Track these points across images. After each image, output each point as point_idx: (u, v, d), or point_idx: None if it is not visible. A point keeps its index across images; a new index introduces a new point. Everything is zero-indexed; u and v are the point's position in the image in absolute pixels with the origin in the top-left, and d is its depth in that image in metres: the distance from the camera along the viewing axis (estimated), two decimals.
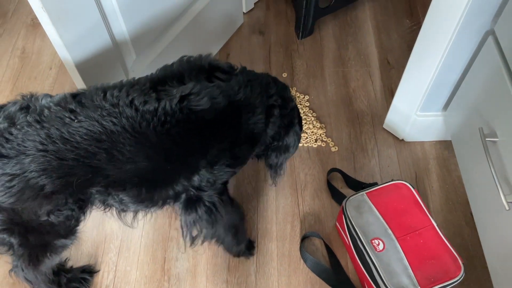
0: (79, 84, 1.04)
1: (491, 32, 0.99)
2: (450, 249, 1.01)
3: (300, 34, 1.63)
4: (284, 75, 1.55)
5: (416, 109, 1.26)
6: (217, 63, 0.89)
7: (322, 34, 1.66)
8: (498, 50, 0.97)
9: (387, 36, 1.65)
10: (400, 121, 1.34)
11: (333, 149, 1.38)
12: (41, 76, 1.57)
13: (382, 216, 1.06)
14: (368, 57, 1.60)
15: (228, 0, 1.50)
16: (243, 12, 1.70)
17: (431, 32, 1.06)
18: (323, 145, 1.39)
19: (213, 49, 1.57)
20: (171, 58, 1.31)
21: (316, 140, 1.40)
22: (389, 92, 1.51)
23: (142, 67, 1.23)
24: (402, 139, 1.39)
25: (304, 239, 1.20)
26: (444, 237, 1.03)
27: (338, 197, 1.26)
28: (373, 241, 1.03)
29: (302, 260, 1.17)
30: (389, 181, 1.13)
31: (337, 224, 1.19)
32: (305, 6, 1.53)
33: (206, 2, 1.39)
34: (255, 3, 1.73)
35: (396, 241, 1.03)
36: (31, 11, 1.77)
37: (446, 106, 1.26)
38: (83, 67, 1.03)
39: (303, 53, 1.61)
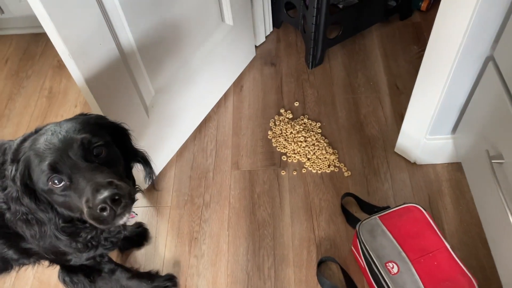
0: None
1: (491, 58, 1.03)
2: (465, 271, 1.03)
3: (310, 64, 1.70)
4: (296, 103, 1.61)
5: (425, 133, 1.30)
6: None
7: (332, 63, 1.73)
8: (499, 75, 1.00)
9: (395, 62, 1.71)
10: (410, 145, 1.37)
11: (346, 174, 1.41)
12: (67, 114, 1.67)
13: (396, 239, 1.09)
14: (378, 84, 1.65)
15: (241, 35, 1.58)
16: (255, 46, 1.78)
17: (434, 59, 1.11)
18: (336, 171, 1.43)
19: (227, 83, 1.64)
20: (189, 94, 1.39)
21: (329, 166, 1.44)
22: (399, 116, 1.54)
23: (161, 103, 1.31)
24: (414, 162, 1.41)
25: (320, 264, 1.23)
26: (458, 258, 1.05)
27: (353, 221, 1.29)
28: (387, 264, 1.06)
29: (319, 285, 1.20)
30: (401, 205, 1.16)
31: (353, 248, 1.21)
32: (314, 38, 1.60)
33: (220, 38, 1.47)
34: (266, 36, 1.82)
35: (410, 263, 1.05)
36: (57, 53, 1.89)
37: (454, 130, 1.29)
38: (106, 106, 1.10)
39: (314, 82, 1.67)
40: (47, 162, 0.70)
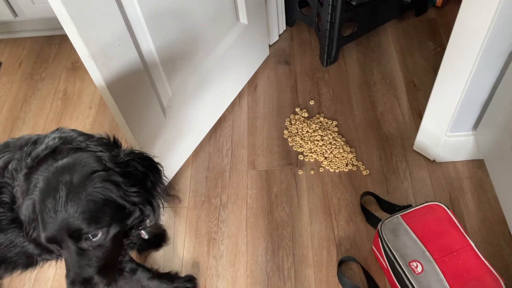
0: (120, 121, 1.12)
1: None
2: (491, 270, 1.01)
3: (325, 62, 1.68)
4: (312, 102, 1.60)
5: (445, 130, 1.27)
6: None
7: (347, 60, 1.71)
8: None
9: (411, 59, 1.68)
10: (430, 143, 1.35)
11: (364, 172, 1.40)
12: (82, 115, 1.67)
13: (419, 238, 1.07)
14: (394, 81, 1.63)
15: (255, 34, 1.57)
16: (269, 45, 1.77)
17: (455, 56, 1.09)
18: (354, 169, 1.41)
19: (241, 82, 1.63)
20: (205, 94, 1.38)
21: (346, 165, 1.42)
22: (417, 114, 1.52)
23: (177, 103, 1.31)
24: (434, 160, 1.39)
25: (341, 264, 1.21)
26: (484, 257, 1.03)
27: (372, 220, 1.27)
28: (411, 263, 1.04)
29: (340, 286, 1.18)
30: (424, 203, 1.14)
31: (374, 247, 1.20)
32: (328, 36, 1.59)
33: (235, 38, 1.46)
34: (279, 35, 1.80)
35: (434, 263, 1.03)
36: (70, 55, 1.90)
37: (476, 126, 1.27)
38: (124, 107, 1.10)
39: (329, 80, 1.66)
40: (44, 235, 0.71)
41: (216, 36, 1.40)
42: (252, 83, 1.67)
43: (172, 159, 1.40)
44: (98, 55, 0.96)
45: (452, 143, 1.31)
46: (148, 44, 1.11)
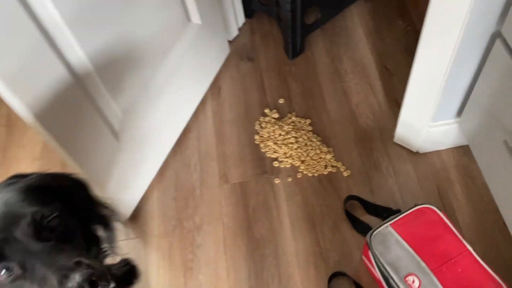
0: (61, 154, 0.97)
1: (498, 34, 0.91)
2: (492, 276, 0.93)
3: (291, 54, 1.56)
4: (281, 101, 1.47)
5: (427, 120, 1.18)
6: None
7: (314, 50, 1.58)
8: (508, 52, 0.88)
9: (381, 41, 1.57)
10: (411, 134, 1.25)
11: (345, 173, 1.29)
12: (30, 142, 1.50)
13: (412, 248, 0.98)
14: (366, 67, 1.52)
15: (211, 33, 1.43)
16: (229, 41, 1.62)
17: (433, 39, 0.98)
18: (334, 171, 1.30)
19: (203, 87, 1.49)
20: (163, 107, 1.23)
21: (325, 167, 1.31)
22: (394, 101, 1.42)
23: (131, 123, 1.16)
24: (417, 151, 1.30)
25: (331, 279, 1.12)
26: (483, 262, 0.95)
27: (360, 226, 1.18)
28: (407, 278, 0.95)
29: None
30: (413, 207, 1.05)
31: (364, 258, 1.10)
32: (291, 26, 1.46)
33: (189, 41, 1.31)
34: (239, 29, 1.66)
35: (432, 274, 0.94)
36: None
37: (460, 112, 1.17)
38: (65, 138, 0.95)
39: (297, 74, 1.53)
40: None
41: (167, 42, 1.25)
42: (215, 86, 1.53)
43: (134, 185, 1.26)
44: (12, 80, 0.80)
45: (435, 133, 1.22)
46: (77, 56, 0.94)
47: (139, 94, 1.18)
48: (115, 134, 1.11)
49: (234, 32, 1.64)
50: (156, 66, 1.22)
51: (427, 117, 1.17)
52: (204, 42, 1.39)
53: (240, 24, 1.67)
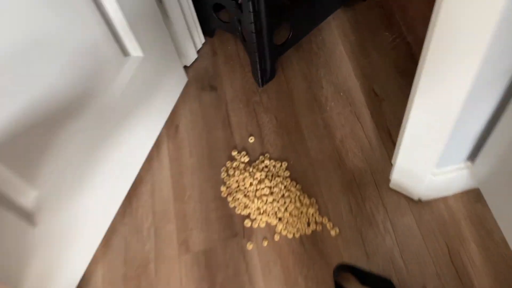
0: None
1: None
2: None
3: (260, 81, 1.30)
4: (251, 139, 1.22)
5: (430, 166, 0.94)
6: None
7: (287, 74, 1.33)
8: None
9: (366, 58, 1.33)
10: (411, 182, 1.02)
11: (332, 232, 1.05)
12: None
13: None
14: (350, 92, 1.27)
15: (160, 60, 1.16)
16: (186, 67, 1.36)
17: (441, 72, 0.73)
18: (319, 229, 1.06)
19: (156, 127, 1.23)
20: (103, 159, 0.97)
21: (308, 224, 1.07)
22: (386, 133, 1.18)
23: (54, 195, 0.90)
24: (419, 199, 1.06)
25: None
26: None
27: None
28: None
29: None
30: None
31: None
32: (258, 49, 1.20)
33: (129, 77, 1.05)
34: (198, 51, 1.40)
35: None
36: None
37: (472, 157, 0.94)
38: None
39: (269, 104, 1.28)
40: None
41: (99, 85, 0.98)
42: (171, 124, 1.27)
43: (68, 265, 1.00)
44: None
45: (440, 181, 0.98)
46: None
47: (64, 151, 0.91)
48: (29, 217, 0.85)
49: (192, 56, 1.37)
50: (87, 113, 0.95)
51: (431, 164, 0.93)
52: (150, 74, 1.13)
53: (200, 45, 1.41)
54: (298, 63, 1.34)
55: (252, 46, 1.21)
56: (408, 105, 0.88)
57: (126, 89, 1.04)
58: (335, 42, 1.37)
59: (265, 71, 1.28)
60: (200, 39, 1.39)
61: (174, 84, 1.28)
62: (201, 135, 1.25)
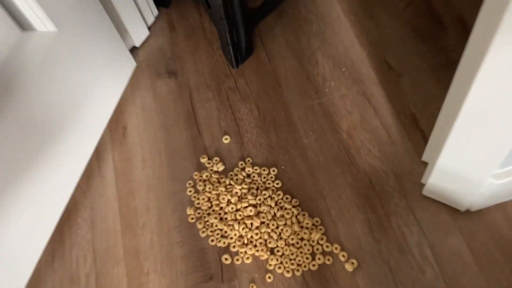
0: None
1: None
2: None
3: (233, 60, 0.97)
4: (226, 139, 0.89)
5: (493, 167, 0.62)
6: None
7: (269, 48, 1.00)
8: None
9: (374, 21, 1.00)
10: (459, 187, 0.70)
11: (348, 266, 0.73)
12: None
13: None
14: (354, 67, 0.95)
15: (90, 37, 0.83)
16: (134, 48, 1.03)
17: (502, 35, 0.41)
18: (328, 262, 0.74)
19: (95, 132, 0.90)
20: (10, 206, 0.62)
21: (313, 256, 0.75)
22: (410, 119, 0.86)
23: None
24: (468, 210, 0.75)
25: None
26: None
27: None
28: None
29: None
30: None
31: None
32: (226, 16, 0.87)
33: (39, 57, 0.71)
34: (149, 27, 1.06)
35: None
36: None
37: None
38: None
39: (248, 90, 0.95)
40: None
41: None
42: (116, 126, 0.94)
43: None
44: None
45: (503, 184, 0.67)
46: None
47: None
48: None
49: (142, 33, 1.04)
50: None
51: (494, 163, 0.61)
52: (73, 59, 0.79)
53: (152, 19, 1.07)
54: (283, 33, 1.01)
55: (218, 12, 0.87)
56: (459, 76, 0.56)
57: (36, 78, 0.71)
58: (330, 3, 1.05)
59: (239, 46, 0.95)
60: (152, 10, 1.05)
61: (117, 72, 0.95)
62: (157, 138, 0.92)
